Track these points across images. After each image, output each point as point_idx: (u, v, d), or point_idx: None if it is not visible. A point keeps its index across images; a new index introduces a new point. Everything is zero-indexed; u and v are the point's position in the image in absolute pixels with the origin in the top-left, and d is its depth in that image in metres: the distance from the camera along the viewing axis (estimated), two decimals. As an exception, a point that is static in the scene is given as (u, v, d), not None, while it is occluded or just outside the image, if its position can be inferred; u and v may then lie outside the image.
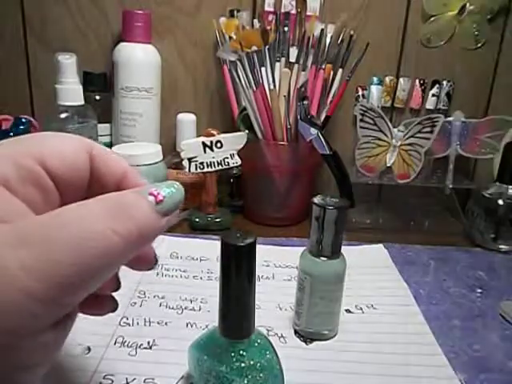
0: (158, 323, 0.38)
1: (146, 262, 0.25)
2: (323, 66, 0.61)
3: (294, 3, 0.64)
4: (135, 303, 0.40)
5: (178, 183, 0.22)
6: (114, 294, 0.26)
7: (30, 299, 0.16)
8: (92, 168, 0.23)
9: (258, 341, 0.29)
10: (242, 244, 0.25)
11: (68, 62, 0.54)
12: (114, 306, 0.27)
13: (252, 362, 0.28)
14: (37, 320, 0.17)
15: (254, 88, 0.58)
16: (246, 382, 0.27)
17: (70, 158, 0.22)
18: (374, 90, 0.65)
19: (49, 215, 0.18)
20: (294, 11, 0.63)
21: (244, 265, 0.26)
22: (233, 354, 0.28)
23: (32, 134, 0.23)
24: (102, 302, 0.26)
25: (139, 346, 0.34)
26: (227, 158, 0.57)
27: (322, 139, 0.55)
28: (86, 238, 0.17)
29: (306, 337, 0.37)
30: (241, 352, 0.28)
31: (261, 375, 0.28)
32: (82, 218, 0.18)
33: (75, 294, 0.18)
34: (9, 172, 0.20)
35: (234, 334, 0.28)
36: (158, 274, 0.46)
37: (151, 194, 0.20)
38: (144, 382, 0.31)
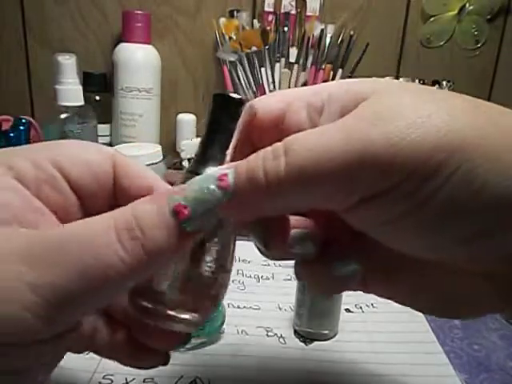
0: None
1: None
2: (323, 67, 0.61)
3: (293, 3, 0.64)
4: (135, 303, 0.40)
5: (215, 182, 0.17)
6: None
7: (31, 315, 0.16)
8: (115, 178, 0.22)
9: None
10: (234, 97, 0.24)
11: (68, 62, 0.54)
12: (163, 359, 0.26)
13: None
14: (35, 335, 0.16)
15: (254, 88, 0.58)
16: None
17: (90, 165, 0.21)
18: (374, 90, 0.65)
19: (59, 232, 0.17)
20: (293, 11, 0.63)
21: (231, 113, 0.24)
22: None
23: (53, 141, 0.22)
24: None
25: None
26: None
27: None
28: (88, 261, 0.16)
29: (306, 337, 0.37)
30: None
31: None
32: (88, 239, 0.16)
33: (75, 314, 0.17)
34: (25, 168, 0.19)
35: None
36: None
37: (176, 210, 0.16)
38: (143, 381, 0.31)
